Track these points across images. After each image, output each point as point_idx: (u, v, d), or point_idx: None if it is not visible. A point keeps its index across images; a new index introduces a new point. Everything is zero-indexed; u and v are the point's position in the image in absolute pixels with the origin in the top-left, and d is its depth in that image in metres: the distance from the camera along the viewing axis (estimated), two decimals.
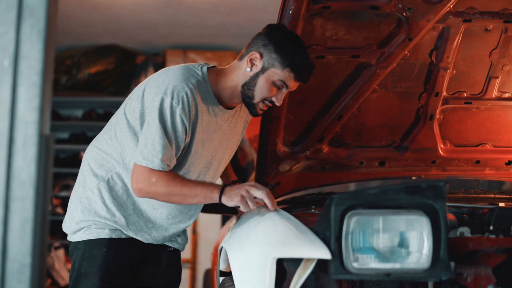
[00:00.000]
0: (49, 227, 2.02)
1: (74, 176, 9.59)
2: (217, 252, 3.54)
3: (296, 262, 2.26)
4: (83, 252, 2.98)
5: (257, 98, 2.91)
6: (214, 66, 3.04)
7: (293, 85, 2.91)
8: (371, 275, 2.19)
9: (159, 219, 3.03)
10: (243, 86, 2.92)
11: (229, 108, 3.03)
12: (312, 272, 2.30)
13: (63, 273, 8.08)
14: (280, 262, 2.31)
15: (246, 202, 2.78)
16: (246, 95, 2.92)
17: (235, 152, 3.25)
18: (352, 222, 2.19)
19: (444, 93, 3.62)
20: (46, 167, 1.84)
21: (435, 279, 2.19)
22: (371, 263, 2.19)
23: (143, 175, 2.79)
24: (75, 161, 8.80)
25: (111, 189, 2.96)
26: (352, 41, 3.34)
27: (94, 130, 9.67)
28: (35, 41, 1.86)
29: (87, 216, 2.99)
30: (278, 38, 2.86)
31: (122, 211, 2.97)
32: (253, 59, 2.88)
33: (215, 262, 4.84)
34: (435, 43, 3.43)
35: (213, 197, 2.81)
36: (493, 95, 3.68)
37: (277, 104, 2.93)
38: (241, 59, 2.95)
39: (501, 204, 3.20)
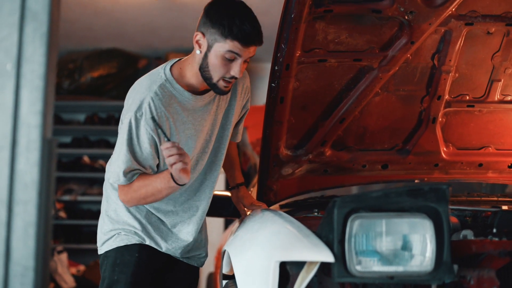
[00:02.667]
0: (52, 231, 2.02)
1: (77, 180, 9.53)
2: (220, 255, 3.54)
3: (299, 265, 2.26)
4: (114, 259, 3.00)
5: (215, 77, 2.82)
6: (179, 59, 3.00)
7: (245, 52, 2.78)
8: (374, 278, 2.19)
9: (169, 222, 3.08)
10: (199, 69, 2.85)
11: (204, 92, 2.98)
12: (315, 275, 2.30)
13: (66, 277, 8.08)
14: (283, 265, 2.31)
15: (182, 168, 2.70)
16: (205, 77, 2.85)
17: (238, 121, 3.25)
18: (355, 225, 2.19)
19: (447, 96, 3.62)
20: (49, 170, 1.84)
21: (438, 282, 2.19)
22: (374, 266, 2.19)
23: (120, 189, 2.90)
24: (78, 165, 8.80)
25: None
26: (354, 44, 3.34)
27: (97, 134, 9.72)
28: (38, 45, 1.86)
29: (115, 225, 3.04)
30: (213, 11, 2.79)
31: (147, 218, 3.03)
32: (198, 40, 2.82)
33: (218, 265, 4.84)
34: (437, 46, 3.43)
35: (170, 181, 2.78)
36: (496, 98, 3.68)
37: (238, 76, 2.80)
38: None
39: (504, 207, 3.20)
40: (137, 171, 2.85)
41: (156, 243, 3.04)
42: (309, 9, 3.04)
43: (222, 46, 2.75)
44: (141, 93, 2.83)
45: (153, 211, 3.04)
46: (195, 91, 2.94)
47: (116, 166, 2.84)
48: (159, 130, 2.78)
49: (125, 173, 2.81)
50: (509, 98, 3.70)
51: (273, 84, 3.22)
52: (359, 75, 3.46)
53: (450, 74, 3.51)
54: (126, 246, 2.99)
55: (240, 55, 2.77)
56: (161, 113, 2.81)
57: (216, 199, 3.50)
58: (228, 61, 2.78)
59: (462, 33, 3.35)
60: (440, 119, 3.70)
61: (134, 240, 2.99)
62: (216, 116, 3.04)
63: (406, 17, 3.21)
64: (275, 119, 3.34)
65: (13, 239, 1.75)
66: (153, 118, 2.78)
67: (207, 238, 3.29)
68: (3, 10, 1.87)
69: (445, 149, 3.81)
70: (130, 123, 2.79)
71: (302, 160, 3.62)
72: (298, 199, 3.70)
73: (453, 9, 3.23)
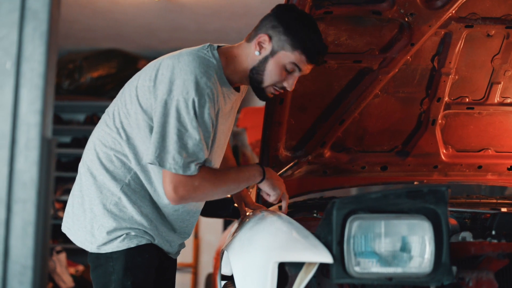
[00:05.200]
0: (51, 231, 2.02)
1: None
2: (218, 256, 3.53)
3: (298, 266, 2.26)
4: (124, 262, 2.77)
5: (266, 83, 2.75)
6: (222, 45, 2.87)
7: (305, 68, 2.74)
8: (373, 280, 2.19)
9: (175, 219, 2.91)
10: (251, 70, 2.76)
11: (236, 89, 2.89)
12: (314, 276, 2.29)
13: (64, 277, 8.08)
14: (281, 266, 2.31)
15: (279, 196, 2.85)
16: (255, 80, 2.77)
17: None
18: (354, 226, 2.19)
19: (446, 99, 3.62)
20: (48, 169, 1.85)
21: (437, 283, 2.19)
22: (373, 267, 2.19)
23: (182, 182, 2.64)
24: (77, 165, 8.78)
25: (134, 191, 2.78)
26: (354, 46, 3.34)
27: None
28: (38, 44, 1.86)
29: (121, 223, 2.78)
30: (288, 18, 2.72)
31: (153, 211, 2.83)
32: (262, 42, 2.72)
33: (216, 266, 4.84)
34: (437, 48, 3.43)
35: (255, 181, 2.85)
36: (495, 101, 3.68)
37: (289, 89, 2.77)
38: (249, 41, 2.79)
39: (503, 209, 3.20)
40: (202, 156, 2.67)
41: (166, 239, 2.88)
42: (309, 11, 3.03)
43: (288, 56, 2.70)
44: (196, 75, 2.62)
45: (160, 214, 2.87)
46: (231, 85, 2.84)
47: (183, 153, 2.61)
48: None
49: (198, 163, 2.64)
50: (508, 100, 3.70)
51: None
52: (359, 77, 3.46)
53: (450, 76, 3.51)
54: (136, 247, 2.78)
55: (301, 69, 2.73)
56: (217, 101, 2.70)
57: (215, 200, 3.50)
58: (287, 71, 2.73)
59: (462, 35, 3.35)
60: (440, 121, 3.70)
61: (144, 240, 2.79)
62: (234, 117, 2.97)
63: (406, 19, 3.21)
64: (274, 120, 3.34)
65: (12, 237, 1.75)
66: (213, 106, 2.65)
67: None
68: (3, 8, 1.87)
69: (444, 151, 3.81)
70: (193, 106, 2.59)
71: (302, 161, 3.62)
72: (297, 200, 3.70)
73: (453, 12, 3.23)
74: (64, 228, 2.97)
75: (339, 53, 3.34)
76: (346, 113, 3.55)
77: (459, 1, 3.19)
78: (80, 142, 8.98)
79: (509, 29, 3.36)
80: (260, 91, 2.80)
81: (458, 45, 3.40)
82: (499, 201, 3.61)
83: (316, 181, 3.74)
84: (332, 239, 2.18)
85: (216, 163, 2.89)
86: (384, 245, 2.21)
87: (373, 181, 3.86)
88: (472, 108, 3.71)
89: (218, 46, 2.83)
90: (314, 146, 3.60)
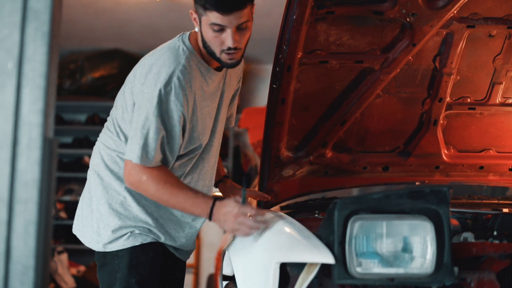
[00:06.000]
0: (52, 231, 2.03)
1: (78, 180, 9.51)
2: (220, 256, 3.54)
3: (300, 267, 2.26)
4: (129, 260, 2.82)
5: (216, 51, 2.71)
6: (190, 32, 2.89)
7: (227, 21, 2.62)
8: (375, 280, 2.19)
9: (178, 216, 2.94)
10: (203, 47, 2.76)
11: (218, 69, 2.90)
12: (316, 277, 2.30)
13: (66, 277, 8.08)
14: (283, 267, 2.31)
15: (247, 230, 2.63)
16: (209, 53, 2.75)
17: (231, 104, 3.17)
18: (355, 227, 2.19)
19: (448, 99, 3.62)
20: (49, 169, 1.84)
21: (438, 284, 2.19)
22: (375, 268, 2.19)
23: (135, 169, 2.69)
24: (79, 165, 8.80)
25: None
26: (356, 46, 3.33)
27: (98, 135, 9.63)
28: (40, 44, 1.86)
29: (126, 222, 2.85)
30: None
31: (158, 210, 2.87)
32: (193, 18, 2.74)
33: (218, 266, 4.84)
34: (438, 48, 3.43)
35: (200, 216, 2.79)
36: (497, 101, 3.68)
37: (233, 45, 2.66)
38: None
39: (505, 210, 3.20)
40: (164, 160, 2.73)
41: (171, 236, 2.92)
42: (311, 11, 3.03)
43: (206, 20, 2.65)
44: (168, 66, 2.70)
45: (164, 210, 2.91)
46: (212, 65, 2.86)
47: (143, 143, 2.66)
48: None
49: (157, 154, 2.67)
50: (510, 101, 3.70)
51: (274, 86, 3.22)
52: (361, 77, 3.45)
53: (452, 76, 3.51)
54: (141, 245, 2.83)
55: (224, 25, 2.64)
56: (190, 88, 2.72)
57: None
58: (218, 32, 2.66)
59: (463, 35, 3.35)
60: (441, 122, 3.70)
61: (149, 238, 2.85)
62: (227, 96, 2.98)
63: (408, 19, 3.21)
64: (276, 121, 3.34)
65: (14, 237, 1.75)
66: (183, 94, 2.68)
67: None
68: (5, 9, 1.87)
69: (446, 151, 3.81)
70: (159, 96, 2.65)
71: (303, 161, 3.61)
72: (299, 200, 3.70)
73: (455, 12, 3.23)
74: (75, 230, 3.05)
75: (341, 53, 3.34)
76: (347, 114, 3.54)
77: (461, 1, 3.18)
78: (82, 142, 8.97)
79: (511, 29, 3.36)
80: (219, 61, 2.76)
81: (460, 45, 3.39)
82: (500, 201, 3.62)
83: (317, 181, 3.74)
84: (334, 240, 2.18)
85: (205, 141, 2.90)
86: (385, 246, 2.21)
87: (375, 181, 3.86)
88: (474, 109, 3.70)
89: (190, 32, 2.87)
90: (315, 146, 3.60)
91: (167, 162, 2.78)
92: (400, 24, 3.27)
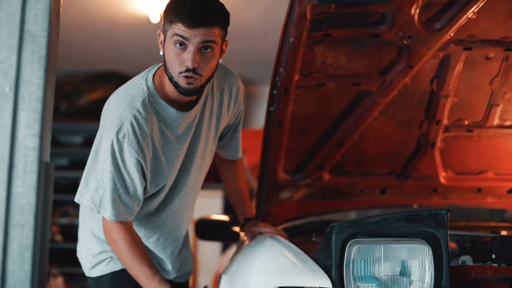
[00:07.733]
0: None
1: (74, 203, 9.47)
2: (217, 280, 3.52)
3: None
4: (109, 285, 2.83)
5: (174, 74, 2.51)
6: (161, 65, 2.68)
7: (191, 34, 2.44)
8: None
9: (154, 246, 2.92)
10: (165, 73, 2.57)
11: (188, 108, 2.70)
12: None
13: None
14: None
15: None
16: (169, 79, 2.55)
17: (234, 134, 3.05)
18: (353, 251, 2.18)
19: (445, 121, 3.62)
20: (46, 194, 1.83)
21: None
22: None
23: (112, 228, 2.64)
24: (75, 188, 8.76)
25: None
26: (353, 68, 3.34)
27: None
28: (36, 68, 1.86)
29: (106, 247, 2.82)
30: (166, 5, 2.53)
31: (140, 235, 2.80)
32: (160, 41, 2.56)
33: None
34: (436, 71, 3.43)
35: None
36: (495, 123, 3.68)
37: (191, 65, 2.47)
38: None
39: (503, 233, 3.20)
40: (125, 210, 2.62)
41: (156, 260, 2.90)
42: (308, 33, 3.03)
43: (170, 34, 2.47)
44: (121, 110, 2.56)
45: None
46: (180, 104, 2.66)
47: (97, 189, 2.60)
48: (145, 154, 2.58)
49: (114, 205, 2.58)
50: (508, 123, 3.70)
51: (271, 108, 3.21)
52: (358, 99, 3.46)
53: (449, 98, 3.51)
54: (121, 270, 2.80)
55: (187, 38, 2.45)
56: (145, 134, 2.56)
57: (214, 223, 3.48)
58: (179, 50, 2.47)
59: (461, 57, 3.35)
60: (439, 144, 3.70)
61: None
62: (204, 132, 2.82)
63: (405, 42, 3.21)
64: (273, 143, 3.33)
65: (9, 262, 1.74)
66: (137, 140, 2.54)
67: (192, 254, 3.15)
68: (2, 32, 1.86)
69: (444, 174, 3.81)
70: (112, 145, 2.55)
71: (300, 184, 3.61)
72: (296, 223, 3.69)
73: (452, 34, 3.23)
74: (78, 254, 3.07)
75: (338, 76, 3.34)
76: (345, 136, 3.54)
77: (458, 24, 3.19)
78: (78, 164, 8.94)
79: (508, 51, 3.36)
80: (177, 87, 2.54)
81: (457, 68, 3.40)
82: (499, 224, 3.61)
83: (315, 204, 3.73)
84: (331, 264, 2.17)
85: (170, 182, 2.79)
86: (383, 270, 2.20)
87: (372, 204, 3.85)
88: (471, 131, 3.70)
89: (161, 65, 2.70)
90: (313, 169, 3.60)
91: (132, 208, 2.66)
92: (397, 47, 3.27)
